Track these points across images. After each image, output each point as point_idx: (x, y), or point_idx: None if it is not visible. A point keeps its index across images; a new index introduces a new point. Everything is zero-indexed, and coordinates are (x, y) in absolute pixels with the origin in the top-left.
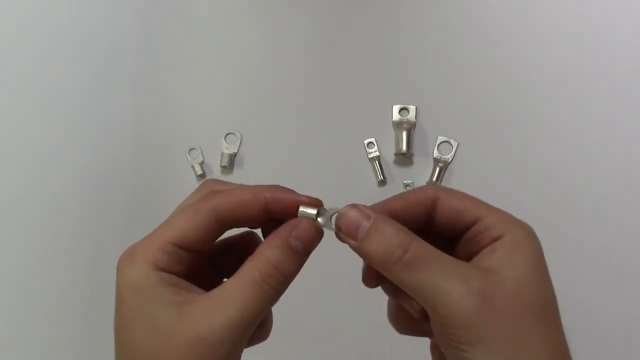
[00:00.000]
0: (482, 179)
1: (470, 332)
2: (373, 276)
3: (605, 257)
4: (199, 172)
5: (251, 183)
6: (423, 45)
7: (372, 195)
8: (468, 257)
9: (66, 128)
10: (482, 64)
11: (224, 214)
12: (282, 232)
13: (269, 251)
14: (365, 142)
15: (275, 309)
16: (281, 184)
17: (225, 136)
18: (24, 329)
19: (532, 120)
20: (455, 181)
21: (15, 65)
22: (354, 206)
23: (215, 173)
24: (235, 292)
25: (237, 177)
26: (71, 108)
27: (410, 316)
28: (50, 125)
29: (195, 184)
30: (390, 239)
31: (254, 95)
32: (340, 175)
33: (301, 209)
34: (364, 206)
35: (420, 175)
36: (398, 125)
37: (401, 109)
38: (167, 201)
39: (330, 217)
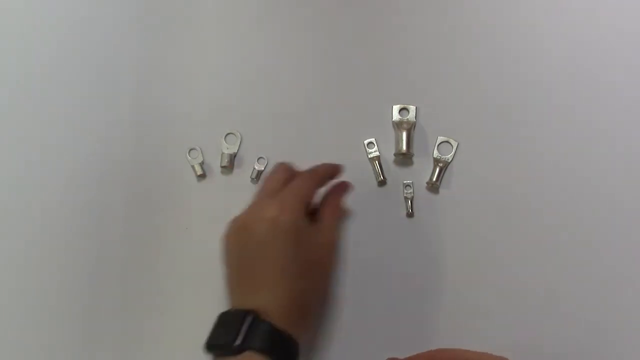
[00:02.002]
0: (482, 179)
1: None
2: None
3: (607, 257)
4: (199, 172)
5: (250, 183)
6: (423, 45)
7: (372, 195)
8: None
9: (65, 128)
10: (482, 64)
11: (320, 184)
12: (337, 190)
13: (336, 199)
14: (365, 142)
15: None
16: None
17: (225, 136)
18: (23, 329)
19: (532, 120)
20: (455, 181)
21: (12, 65)
22: None
23: (215, 173)
24: (331, 221)
25: (237, 177)
26: (70, 107)
27: None
28: (50, 125)
29: (195, 184)
30: None
31: (254, 95)
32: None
33: None
34: None
35: (420, 175)
36: (398, 125)
37: (401, 109)
38: (167, 201)
39: None
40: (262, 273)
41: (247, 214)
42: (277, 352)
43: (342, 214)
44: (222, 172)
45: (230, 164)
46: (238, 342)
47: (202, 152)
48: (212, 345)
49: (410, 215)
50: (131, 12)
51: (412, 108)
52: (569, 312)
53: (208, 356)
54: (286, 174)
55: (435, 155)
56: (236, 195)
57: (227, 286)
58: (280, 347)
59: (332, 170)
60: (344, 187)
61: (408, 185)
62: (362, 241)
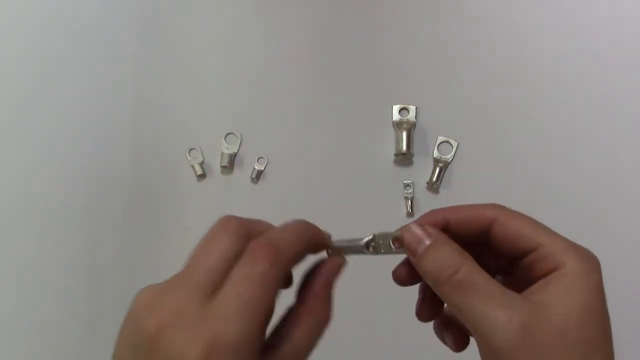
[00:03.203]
0: (482, 179)
1: None
2: (427, 310)
3: (609, 257)
4: (199, 172)
5: (250, 183)
6: (423, 45)
7: (372, 195)
8: (524, 284)
9: (65, 128)
10: (482, 64)
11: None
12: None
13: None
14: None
15: None
16: (281, 184)
17: (225, 136)
18: (24, 329)
19: (532, 120)
20: (455, 181)
21: (11, 65)
22: (419, 225)
23: (216, 173)
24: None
25: (237, 177)
26: (71, 108)
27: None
28: (50, 125)
29: (195, 183)
30: (445, 259)
31: (254, 95)
32: (340, 175)
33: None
34: (428, 225)
35: (420, 175)
36: (398, 125)
37: (401, 109)
38: (167, 201)
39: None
40: None
41: (164, 313)
42: None
43: (317, 336)
44: (222, 172)
45: (230, 164)
46: None
47: (202, 152)
48: None
49: (410, 215)
50: (131, 13)
51: (412, 108)
52: None
53: None
54: (237, 243)
55: (435, 155)
56: (236, 195)
57: None
58: None
59: (316, 237)
60: (334, 271)
61: (408, 185)
62: None
